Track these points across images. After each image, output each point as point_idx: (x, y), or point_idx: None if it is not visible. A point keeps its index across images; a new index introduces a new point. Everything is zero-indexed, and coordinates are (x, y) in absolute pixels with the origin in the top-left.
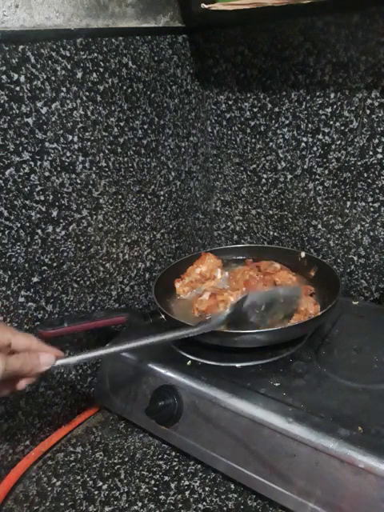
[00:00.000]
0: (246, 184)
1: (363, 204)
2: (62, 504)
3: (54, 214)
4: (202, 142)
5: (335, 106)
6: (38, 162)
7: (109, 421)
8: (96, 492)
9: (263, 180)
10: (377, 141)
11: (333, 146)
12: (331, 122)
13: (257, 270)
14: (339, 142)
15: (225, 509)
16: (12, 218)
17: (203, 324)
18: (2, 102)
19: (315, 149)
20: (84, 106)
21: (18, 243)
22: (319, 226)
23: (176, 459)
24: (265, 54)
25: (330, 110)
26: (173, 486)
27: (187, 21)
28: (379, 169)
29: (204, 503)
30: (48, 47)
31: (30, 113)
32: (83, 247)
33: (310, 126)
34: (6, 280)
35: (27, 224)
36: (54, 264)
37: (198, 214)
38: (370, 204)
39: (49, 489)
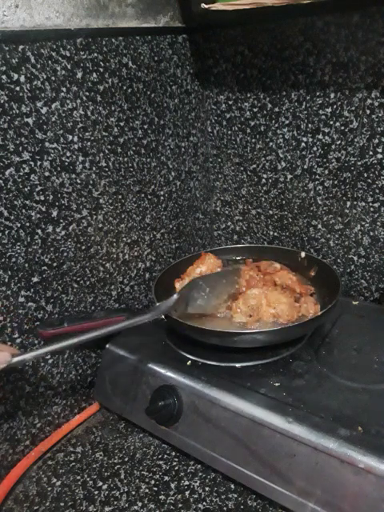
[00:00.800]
0: (246, 184)
1: (363, 204)
2: (61, 504)
3: (54, 214)
4: (202, 142)
5: (335, 106)
6: (38, 162)
7: (109, 421)
8: (96, 492)
9: (263, 180)
10: (377, 141)
11: (333, 146)
12: (331, 122)
13: (257, 269)
14: (339, 142)
15: (225, 509)
16: (12, 218)
17: (153, 310)
18: (2, 102)
19: (315, 149)
20: (84, 106)
21: (18, 243)
22: (319, 226)
23: (176, 459)
24: (265, 54)
25: (329, 109)
26: (173, 486)
27: (187, 21)
28: (379, 169)
29: (204, 503)
30: (48, 47)
31: (30, 113)
32: (83, 247)
33: (309, 126)
34: (6, 280)
35: (27, 224)
36: (54, 264)
37: (198, 214)
38: (370, 204)
39: (49, 489)
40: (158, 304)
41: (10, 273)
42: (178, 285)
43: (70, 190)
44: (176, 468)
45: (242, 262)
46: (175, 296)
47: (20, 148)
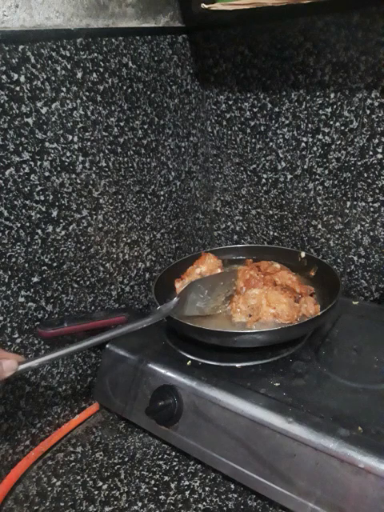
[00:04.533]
0: (246, 184)
1: (363, 204)
2: (62, 504)
3: (54, 213)
4: (202, 142)
5: (335, 106)
6: (38, 162)
7: (109, 421)
8: (96, 492)
9: (263, 180)
10: (377, 141)
11: (333, 146)
12: (331, 122)
13: (257, 269)
14: (339, 142)
15: (225, 509)
16: (12, 218)
17: (155, 314)
18: (2, 102)
19: (315, 149)
20: (84, 106)
21: (18, 243)
22: (319, 226)
23: (176, 459)
24: (265, 54)
25: (329, 109)
26: (173, 486)
27: (187, 21)
28: (379, 169)
29: (204, 503)
30: (48, 47)
31: (30, 113)
32: (83, 247)
33: (309, 126)
34: (6, 280)
35: (27, 224)
36: (54, 264)
37: (198, 214)
38: (370, 204)
39: (49, 489)
40: (159, 307)
41: (9, 273)
42: (178, 285)
43: (70, 190)
44: (176, 468)
45: (242, 262)
46: (175, 299)
47: (20, 148)
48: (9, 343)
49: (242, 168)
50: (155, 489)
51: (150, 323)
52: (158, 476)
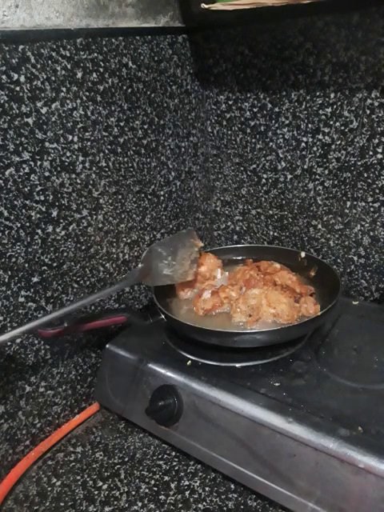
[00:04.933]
0: (246, 184)
1: (363, 204)
2: (62, 504)
3: (54, 213)
4: (202, 142)
5: (335, 106)
6: (38, 162)
7: (109, 421)
8: (96, 492)
9: (263, 180)
10: (377, 141)
11: (333, 146)
12: (331, 122)
13: (257, 269)
14: (339, 142)
15: (225, 509)
16: (12, 218)
17: (120, 282)
18: (2, 101)
19: (315, 149)
20: (84, 106)
21: (18, 243)
22: (319, 226)
23: (176, 459)
24: (265, 54)
25: (329, 109)
26: (173, 486)
27: (187, 21)
28: (379, 169)
29: (204, 503)
30: (48, 47)
31: (30, 113)
32: (83, 247)
33: (309, 126)
34: (6, 280)
35: (27, 224)
36: (54, 264)
37: (198, 214)
38: (370, 204)
39: (49, 489)
40: (124, 275)
41: (10, 273)
42: (178, 285)
43: (70, 190)
44: (176, 468)
45: (242, 262)
46: (139, 265)
47: (20, 148)
48: (9, 343)
49: (241, 168)
50: (155, 489)
51: (117, 290)
52: (158, 476)
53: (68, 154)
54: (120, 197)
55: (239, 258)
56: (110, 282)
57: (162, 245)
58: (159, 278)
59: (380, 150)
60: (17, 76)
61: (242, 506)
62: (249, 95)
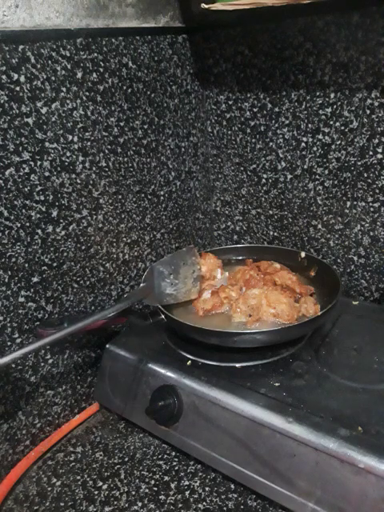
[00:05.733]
0: (246, 184)
1: (363, 204)
2: (62, 504)
3: (54, 214)
4: (202, 142)
5: (335, 106)
6: (38, 162)
7: (109, 421)
8: (96, 492)
9: (263, 180)
10: (377, 141)
11: (333, 146)
12: (331, 122)
13: (257, 269)
14: (339, 142)
15: (225, 509)
16: (12, 218)
17: (122, 301)
18: (2, 101)
19: (315, 149)
20: (84, 106)
21: (18, 243)
22: (319, 226)
23: (176, 459)
24: (265, 54)
25: (329, 109)
26: (173, 486)
27: (187, 21)
28: (379, 169)
29: (204, 503)
30: (48, 47)
31: (30, 113)
32: (83, 247)
33: (309, 126)
34: (6, 280)
35: (27, 224)
36: (54, 264)
37: (198, 214)
38: (370, 204)
39: (49, 489)
40: (125, 295)
41: (10, 273)
42: None
43: (70, 190)
44: (176, 468)
45: (242, 262)
46: (141, 284)
47: (20, 148)
48: (9, 343)
49: (242, 168)
50: (155, 489)
51: (117, 310)
52: (158, 476)
53: (68, 153)
54: (120, 197)
55: (239, 258)
56: (110, 282)
57: (162, 263)
58: (162, 297)
59: (380, 150)
60: (17, 76)
61: (241, 506)
62: (249, 95)
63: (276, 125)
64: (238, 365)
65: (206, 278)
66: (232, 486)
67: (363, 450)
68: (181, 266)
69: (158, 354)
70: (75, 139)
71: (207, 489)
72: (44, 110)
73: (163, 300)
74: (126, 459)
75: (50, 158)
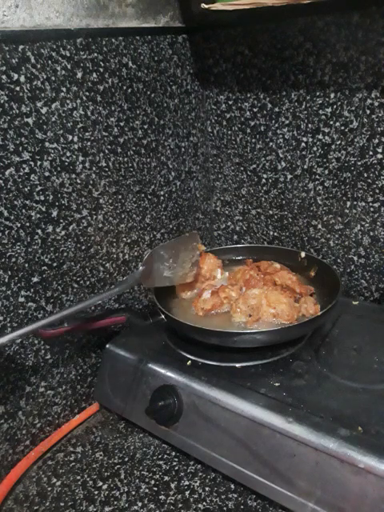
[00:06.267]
0: (246, 184)
1: (363, 204)
2: (62, 504)
3: (54, 214)
4: (202, 142)
5: (335, 106)
6: (38, 162)
7: (109, 421)
8: (96, 492)
9: (263, 180)
10: (377, 141)
11: (333, 146)
12: (331, 122)
13: (257, 269)
14: (339, 142)
15: (225, 509)
16: (12, 218)
17: (121, 284)
18: (2, 101)
19: (315, 149)
20: (84, 106)
21: (18, 243)
22: (319, 226)
23: (176, 459)
24: (265, 54)
25: (329, 109)
26: (173, 486)
27: (187, 21)
28: (379, 169)
29: (204, 503)
30: (48, 47)
31: (30, 113)
32: (83, 247)
33: (309, 126)
34: (6, 280)
35: (27, 224)
36: (54, 264)
37: (198, 214)
38: (370, 204)
39: (49, 489)
40: (125, 277)
41: (10, 273)
42: (178, 285)
43: (70, 190)
44: (176, 468)
45: (242, 262)
46: (141, 267)
47: (20, 148)
48: (9, 343)
49: (241, 168)
50: (155, 489)
51: (119, 292)
52: (158, 476)
53: (68, 153)
54: (120, 197)
55: (239, 258)
56: (110, 282)
57: (164, 247)
58: (159, 280)
59: (380, 150)
60: (17, 76)
61: (241, 506)
62: (249, 95)
63: (276, 125)
64: (238, 365)
65: (205, 278)
66: (232, 486)
67: (363, 450)
68: (181, 250)
69: (158, 354)
70: (75, 139)
71: (207, 489)
72: (44, 110)
73: (159, 282)
74: (126, 459)
75: (49, 158)
